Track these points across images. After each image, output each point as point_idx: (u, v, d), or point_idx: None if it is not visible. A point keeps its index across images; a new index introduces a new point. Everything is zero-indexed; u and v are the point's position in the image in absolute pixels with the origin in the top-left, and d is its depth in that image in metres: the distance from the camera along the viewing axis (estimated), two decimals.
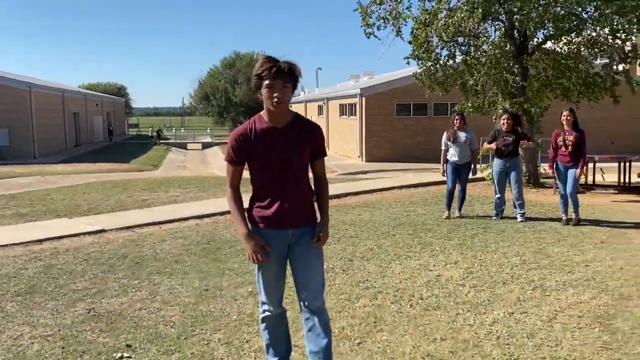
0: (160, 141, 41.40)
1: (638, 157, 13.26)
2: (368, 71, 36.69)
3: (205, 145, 44.14)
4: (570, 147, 7.38)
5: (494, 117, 12.59)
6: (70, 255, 6.30)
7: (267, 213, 2.86)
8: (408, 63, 12.79)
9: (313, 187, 3.01)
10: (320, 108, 34.47)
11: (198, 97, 57.51)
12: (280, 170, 2.81)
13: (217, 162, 30.07)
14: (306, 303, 2.96)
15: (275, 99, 2.70)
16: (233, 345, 3.76)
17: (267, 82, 2.69)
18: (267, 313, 3.09)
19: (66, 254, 6.36)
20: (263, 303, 3.09)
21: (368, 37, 12.53)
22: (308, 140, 2.87)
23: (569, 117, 7.44)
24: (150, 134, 42.38)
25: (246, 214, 2.93)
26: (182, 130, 64.07)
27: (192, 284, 5.16)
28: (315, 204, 2.99)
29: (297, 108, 43.76)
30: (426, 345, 3.72)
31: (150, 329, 4.06)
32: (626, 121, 25.99)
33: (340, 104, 28.69)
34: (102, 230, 7.61)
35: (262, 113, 2.88)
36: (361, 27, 12.61)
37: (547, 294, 4.74)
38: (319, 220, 2.98)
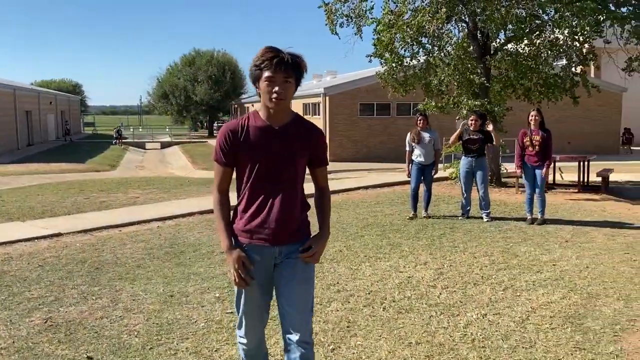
0: (122, 141, 39.89)
1: (596, 156, 13.65)
2: (331, 70, 36.78)
3: (164, 145, 43.21)
4: (537, 147, 7.47)
5: (457, 117, 12.73)
6: (24, 261, 5.97)
7: (252, 225, 2.48)
8: (370, 61, 12.77)
9: (315, 197, 2.67)
10: None
11: (157, 95, 56.17)
12: (271, 176, 2.46)
13: (176, 162, 29.49)
14: (288, 335, 2.50)
15: (275, 95, 2.36)
16: (202, 355, 3.59)
17: (267, 74, 2.35)
18: (243, 347, 2.68)
19: (20, 259, 6.02)
20: (241, 337, 2.65)
21: (333, 33, 12.47)
22: (308, 145, 2.51)
23: (536, 117, 7.52)
24: (120, 134, 40.67)
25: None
26: (140, 129, 62.63)
27: (156, 289, 4.94)
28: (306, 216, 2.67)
29: (258, 107, 43.43)
30: (402, 349, 3.64)
31: (113, 339, 3.84)
32: (581, 122, 26.84)
33: (303, 103, 28.58)
34: (58, 234, 7.26)
35: (257, 110, 2.54)
36: (325, 24, 12.53)
37: (518, 294, 4.74)
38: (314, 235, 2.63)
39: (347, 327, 4.01)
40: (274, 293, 2.61)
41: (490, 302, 4.54)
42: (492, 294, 4.73)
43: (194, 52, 55.20)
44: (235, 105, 53.78)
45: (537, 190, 7.62)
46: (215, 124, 60.55)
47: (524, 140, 7.58)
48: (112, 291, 4.91)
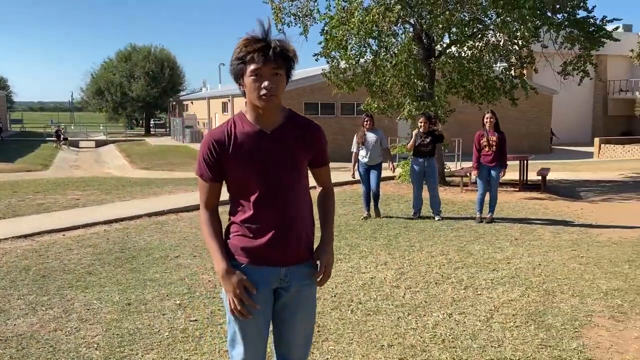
0: (61, 143, 37.21)
1: (533, 156, 14.24)
2: None
3: (100, 143, 41.54)
4: (494, 147, 7.68)
5: (398, 118, 12.93)
6: None
7: (253, 243, 2.14)
8: (317, 60, 12.76)
9: (318, 198, 2.36)
10: (224, 105, 33.75)
11: (91, 91, 53.95)
12: (271, 187, 2.12)
13: (113, 162, 28.42)
14: (285, 356, 2.31)
15: (265, 91, 2.02)
16: None
17: (252, 67, 2.00)
18: None
19: None
20: (240, 354, 2.24)
21: (281, 32, 12.36)
22: (308, 145, 2.19)
23: (491, 119, 7.74)
24: (59, 134, 37.95)
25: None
26: (73, 127, 59.99)
27: (111, 298, 4.70)
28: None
29: (198, 105, 42.61)
30: (375, 353, 3.62)
31: (71, 353, 3.61)
32: (516, 122, 27.96)
33: (245, 102, 28.23)
34: None
35: (244, 111, 2.17)
36: (278, 27, 12.40)
37: (479, 293, 4.83)
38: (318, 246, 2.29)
39: (318, 331, 3.95)
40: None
41: (453, 301, 4.61)
42: (454, 293, 4.81)
43: (130, 47, 53.44)
44: (174, 103, 52.51)
45: (492, 191, 7.85)
46: (152, 122, 58.92)
47: (481, 142, 7.78)
48: (63, 300, 4.63)
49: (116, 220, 8.12)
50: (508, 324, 4.10)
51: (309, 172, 2.28)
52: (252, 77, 2.03)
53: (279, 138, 2.15)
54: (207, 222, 2.21)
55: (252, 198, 2.13)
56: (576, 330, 3.99)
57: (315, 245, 2.30)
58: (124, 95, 51.06)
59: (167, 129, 53.77)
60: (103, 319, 4.20)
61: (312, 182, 2.31)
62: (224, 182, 2.21)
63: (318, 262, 2.24)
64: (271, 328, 2.31)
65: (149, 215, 8.56)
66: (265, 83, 2.02)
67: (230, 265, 2.14)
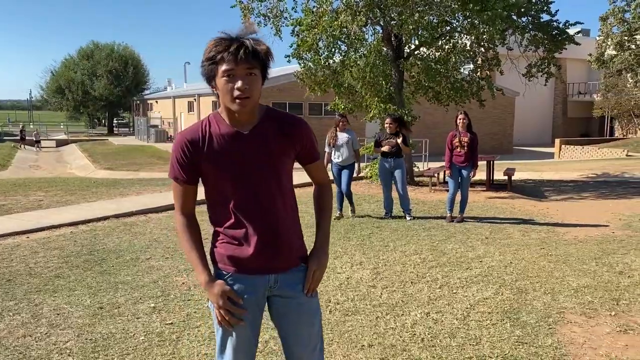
0: (23, 143, 35.46)
1: (499, 156, 14.53)
2: None
3: (60, 143, 40.43)
4: (466, 148, 7.79)
5: (363, 118, 12.99)
6: None
7: (240, 252, 2.03)
8: (289, 61, 12.72)
9: (314, 195, 2.25)
10: (190, 104, 33.33)
11: (51, 89, 52.48)
12: (252, 190, 2.00)
13: (75, 162, 27.71)
14: None
15: (238, 92, 1.88)
16: None
17: (223, 67, 1.87)
18: None
19: None
20: None
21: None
22: (290, 143, 2.05)
23: (464, 120, 7.85)
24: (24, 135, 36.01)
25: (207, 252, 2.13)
26: (31, 126, 58.22)
27: (82, 301, 4.57)
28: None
29: (163, 105, 41.94)
30: (355, 353, 3.62)
31: (42, 359, 3.49)
32: (480, 123, 28.48)
33: (213, 101, 27.95)
34: None
35: (219, 110, 2.05)
36: (242, 23, 12.28)
37: (454, 291, 4.89)
38: (311, 251, 2.18)
39: None
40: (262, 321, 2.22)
41: (430, 300, 4.65)
42: (430, 292, 4.85)
43: (92, 45, 52.23)
44: (137, 102, 51.58)
45: (463, 190, 7.96)
46: (115, 121, 57.74)
47: (453, 142, 7.88)
48: (31, 305, 4.47)
49: (83, 222, 7.91)
50: (485, 322, 4.15)
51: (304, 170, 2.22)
52: (224, 78, 1.90)
53: (257, 138, 2.01)
54: (185, 230, 2.09)
55: (232, 204, 2.02)
56: (550, 326, 4.07)
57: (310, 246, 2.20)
58: (85, 94, 49.88)
59: (131, 129, 52.77)
60: (74, 324, 4.07)
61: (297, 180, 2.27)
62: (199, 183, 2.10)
63: (312, 269, 2.12)
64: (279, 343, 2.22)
65: (117, 216, 8.36)
66: (239, 83, 1.88)
67: (211, 276, 2.04)
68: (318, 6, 11.47)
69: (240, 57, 1.86)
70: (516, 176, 13.92)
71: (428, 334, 3.92)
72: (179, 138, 2.03)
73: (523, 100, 30.56)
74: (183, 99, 35.50)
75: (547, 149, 30.37)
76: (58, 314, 4.28)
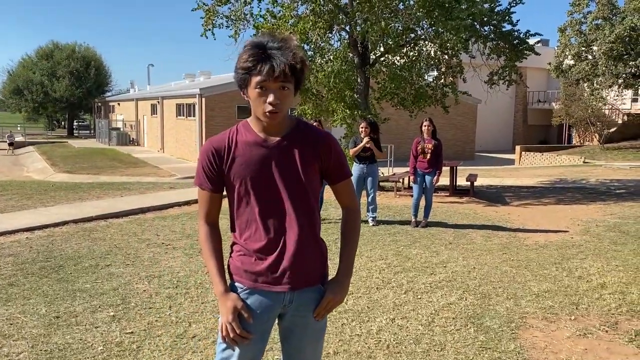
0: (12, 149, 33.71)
1: (462, 162, 14.76)
2: (204, 71, 35.89)
3: (17, 145, 39.21)
4: (429, 155, 7.87)
5: (329, 123, 12.99)
6: None
7: (255, 266, 1.97)
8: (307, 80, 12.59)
9: (341, 222, 2.16)
10: (154, 107, 32.78)
11: (7, 90, 50.78)
12: (275, 203, 1.96)
13: (33, 165, 26.87)
14: None
15: (270, 107, 1.86)
16: None
17: (257, 79, 1.84)
18: None
19: None
20: None
21: (206, 37, 12.14)
22: (315, 158, 1.99)
23: (429, 127, 7.93)
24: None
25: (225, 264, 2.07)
26: None
27: (37, 310, 4.39)
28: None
29: (125, 107, 41.11)
30: None
31: None
32: (443, 130, 28.93)
33: (177, 104, 27.55)
34: None
35: (249, 120, 2.02)
36: (207, 28, 12.12)
37: (419, 296, 4.91)
38: (333, 276, 2.10)
39: None
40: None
41: (395, 306, 4.65)
42: (395, 298, 4.85)
43: (52, 44, 50.84)
44: (99, 104, 50.46)
45: (427, 196, 8.04)
46: (75, 123, 56.34)
47: (418, 148, 7.95)
48: None
49: (39, 227, 7.64)
50: (449, 328, 4.18)
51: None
52: (257, 90, 1.86)
53: (285, 149, 1.97)
54: (207, 239, 2.04)
55: (253, 215, 1.97)
56: (513, 331, 4.12)
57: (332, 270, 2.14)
58: (45, 95, 48.44)
59: (92, 131, 51.58)
60: (29, 334, 3.91)
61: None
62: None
63: (327, 297, 2.03)
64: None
65: (76, 221, 8.12)
66: (271, 98, 1.85)
67: (227, 288, 1.99)
68: (282, 11, 11.44)
69: (275, 72, 1.81)
70: (478, 182, 14.17)
71: (393, 340, 3.91)
72: (206, 145, 2.00)
73: (485, 108, 31.24)
74: (146, 102, 34.89)
75: (508, 155, 31.06)
76: (11, 324, 4.10)
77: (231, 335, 1.95)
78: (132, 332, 3.97)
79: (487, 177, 16.50)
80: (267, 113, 1.87)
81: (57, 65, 48.23)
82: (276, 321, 2.10)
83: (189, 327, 4.09)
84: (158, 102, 31.10)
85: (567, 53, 26.71)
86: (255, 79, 1.85)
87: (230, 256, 2.07)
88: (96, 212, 8.75)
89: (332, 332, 4.04)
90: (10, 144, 34.30)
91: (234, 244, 2.06)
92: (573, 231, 7.99)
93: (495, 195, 12.24)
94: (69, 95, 47.80)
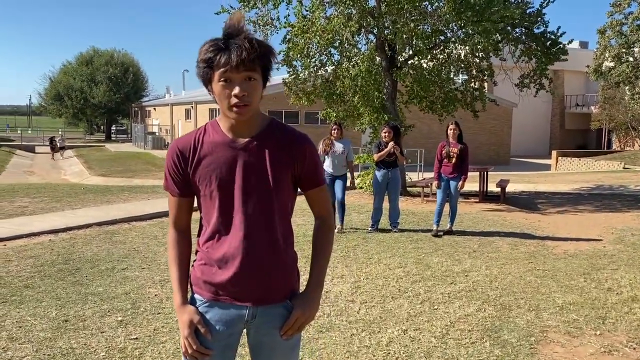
0: (58, 152, 33.37)
1: (493, 167, 14.39)
2: None
3: (57, 149, 40.34)
4: (454, 159, 7.64)
5: (355, 128, 12.83)
6: None
7: (216, 277, 1.81)
8: (278, 69, 12.61)
9: (313, 231, 1.99)
10: (187, 112, 33.26)
11: (49, 96, 52.39)
12: (241, 209, 1.78)
13: (71, 168, 27.57)
14: None
15: (235, 100, 1.70)
16: None
17: (220, 71, 1.68)
18: None
19: None
20: None
21: None
22: (289, 161, 1.82)
23: (455, 130, 7.70)
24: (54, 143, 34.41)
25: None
26: (30, 132, 58.21)
27: (47, 314, 4.40)
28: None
29: (161, 112, 41.88)
30: None
31: None
32: (476, 134, 28.41)
33: (210, 109, 27.87)
34: None
35: (217, 119, 1.86)
36: (229, 18, 12.16)
37: (436, 307, 4.72)
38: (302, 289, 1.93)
39: None
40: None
41: (409, 316, 4.48)
42: (410, 308, 4.68)
43: (92, 51, 52.24)
44: (136, 109, 51.55)
45: (452, 202, 7.81)
46: (113, 128, 57.68)
47: (442, 153, 7.72)
48: None
49: (64, 230, 7.74)
50: (463, 340, 3.98)
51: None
52: (220, 83, 1.70)
53: (254, 150, 1.80)
54: (173, 244, 1.90)
55: (217, 222, 1.81)
56: (532, 346, 3.90)
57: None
58: (84, 101, 49.79)
59: (129, 135, 52.70)
60: (35, 338, 3.90)
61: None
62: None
63: (296, 312, 1.84)
64: None
65: (99, 224, 8.20)
66: (237, 90, 1.68)
67: (184, 300, 1.85)
68: (311, 13, 11.37)
69: (238, 60, 1.66)
70: (510, 188, 13.78)
71: (403, 353, 3.75)
72: (171, 146, 1.86)
73: (520, 112, 30.56)
74: (180, 106, 35.43)
75: (544, 160, 30.24)
76: (20, 327, 4.11)
77: (189, 350, 1.81)
78: (136, 338, 3.92)
79: (520, 183, 16.03)
80: (234, 107, 1.71)
81: (96, 71, 49.53)
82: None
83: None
84: (192, 107, 31.54)
85: (606, 55, 25.86)
86: (218, 72, 1.69)
87: (192, 265, 1.91)
88: (121, 215, 8.83)
89: (340, 343, 3.90)
90: (62, 148, 35.05)
91: (197, 251, 1.90)
92: (606, 240, 7.63)
93: (527, 202, 11.86)
94: (107, 100, 48.97)
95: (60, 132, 42.39)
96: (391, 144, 7.94)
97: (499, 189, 11.72)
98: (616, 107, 26.84)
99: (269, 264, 1.81)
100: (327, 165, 8.07)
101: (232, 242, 1.79)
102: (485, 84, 14.04)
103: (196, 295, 1.87)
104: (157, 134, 39.66)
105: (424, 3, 11.25)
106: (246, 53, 1.66)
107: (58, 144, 34.55)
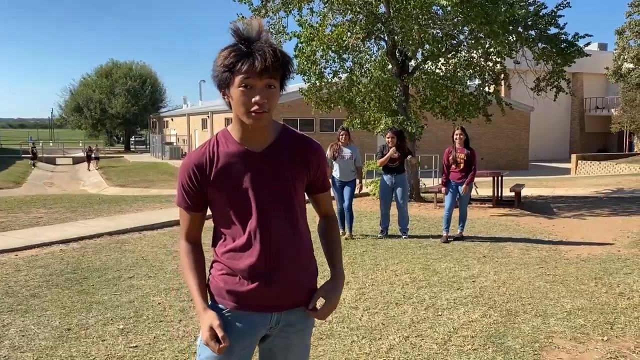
0: (95, 165, 33.92)
1: (508, 172, 14.21)
2: None
3: (77, 160, 40.96)
4: (462, 165, 7.56)
5: (376, 132, 12.80)
6: None
7: (239, 287, 1.80)
8: (293, 78, 12.62)
9: (319, 229, 2.02)
10: (204, 122, 33.54)
11: (69, 108, 53.38)
12: (259, 220, 1.78)
13: (89, 179, 27.97)
14: None
15: (256, 107, 1.68)
16: None
17: (241, 77, 1.67)
18: None
19: None
20: None
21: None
22: (305, 168, 1.84)
23: (461, 136, 7.63)
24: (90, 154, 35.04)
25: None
26: (51, 144, 59.21)
27: (50, 322, 4.43)
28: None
29: (178, 122, 42.31)
30: None
31: None
32: (493, 139, 28.14)
33: (226, 118, 28.07)
34: None
35: (229, 128, 1.84)
36: (246, 24, 12.25)
37: (440, 313, 4.65)
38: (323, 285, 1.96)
39: None
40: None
41: (412, 323, 4.41)
42: (413, 314, 4.61)
43: (111, 63, 53.11)
44: (154, 119, 52.17)
45: (461, 207, 7.72)
46: (132, 138, 58.43)
47: (449, 158, 7.65)
48: None
49: (75, 239, 7.83)
50: (465, 347, 3.91)
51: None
52: (240, 89, 1.68)
53: (270, 159, 1.80)
54: (186, 255, 1.87)
55: (238, 232, 1.80)
56: (536, 352, 3.81)
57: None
58: (103, 112, 50.58)
59: (147, 146, 53.36)
60: (37, 346, 3.93)
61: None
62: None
63: (324, 299, 1.87)
64: None
65: (110, 234, 8.27)
66: (257, 97, 1.67)
67: (205, 305, 1.80)
68: (320, 22, 11.39)
69: (262, 67, 1.65)
70: (527, 192, 13.60)
71: None
72: (186, 162, 1.83)
73: (539, 116, 30.21)
74: (197, 117, 35.76)
75: (564, 164, 29.79)
76: (23, 336, 4.15)
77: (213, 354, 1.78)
78: (136, 346, 3.92)
79: (538, 187, 15.81)
80: (253, 113, 1.69)
81: (115, 83, 50.31)
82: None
83: (194, 341, 4.00)
84: (208, 116, 31.80)
85: (625, 56, 25.45)
86: (239, 77, 1.67)
87: (211, 274, 1.88)
88: (132, 225, 8.90)
89: (339, 350, 3.86)
90: (96, 159, 35.55)
91: (214, 261, 1.88)
92: (620, 244, 7.46)
93: (542, 206, 11.68)
94: (125, 111, 49.67)
95: (96, 145, 43.12)
96: (393, 149, 7.90)
97: (513, 194, 11.56)
98: (637, 109, 26.33)
99: (293, 270, 1.82)
100: (335, 171, 8.04)
101: (257, 252, 1.78)
102: (501, 88, 13.91)
103: (219, 305, 1.85)
104: (174, 144, 40.07)
105: (433, 7, 11.20)
106: (270, 61, 1.65)
107: (93, 154, 35.17)
